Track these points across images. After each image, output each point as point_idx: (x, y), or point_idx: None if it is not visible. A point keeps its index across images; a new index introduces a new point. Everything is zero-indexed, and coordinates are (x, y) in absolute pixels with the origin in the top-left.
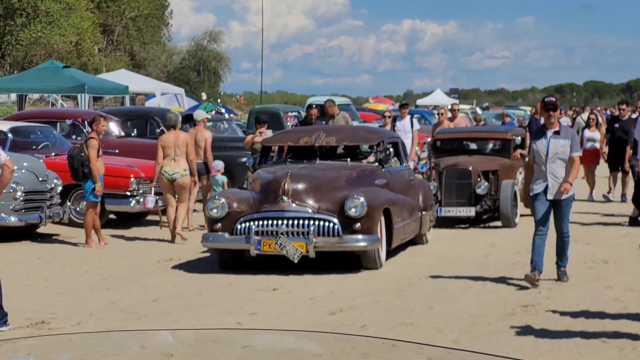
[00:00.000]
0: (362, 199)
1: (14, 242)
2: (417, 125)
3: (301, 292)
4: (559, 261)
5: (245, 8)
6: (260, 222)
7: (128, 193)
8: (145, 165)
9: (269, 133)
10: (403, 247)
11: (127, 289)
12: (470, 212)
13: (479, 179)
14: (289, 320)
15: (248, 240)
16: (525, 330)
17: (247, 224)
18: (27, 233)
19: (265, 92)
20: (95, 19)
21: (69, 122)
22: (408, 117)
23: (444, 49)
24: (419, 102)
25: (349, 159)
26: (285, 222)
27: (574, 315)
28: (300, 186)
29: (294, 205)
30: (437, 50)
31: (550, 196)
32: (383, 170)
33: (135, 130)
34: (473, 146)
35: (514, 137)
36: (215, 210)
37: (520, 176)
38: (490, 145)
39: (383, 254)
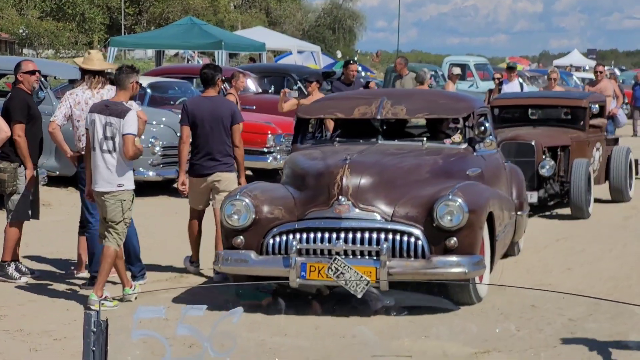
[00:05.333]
0: (459, 201)
1: (152, 197)
2: (526, 89)
3: None
4: None
5: None
6: (305, 236)
7: (265, 149)
8: (283, 122)
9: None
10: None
11: None
12: (532, 197)
13: (544, 157)
14: None
15: (286, 263)
16: None
17: (285, 237)
18: (165, 188)
19: (400, 51)
20: None
21: None
22: (516, 81)
23: (582, 9)
24: (556, 62)
25: (424, 139)
26: (343, 235)
27: None
28: (366, 181)
29: (356, 210)
30: (574, 10)
31: None
32: (475, 155)
33: (272, 87)
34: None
35: (590, 104)
36: (235, 217)
37: (597, 153)
38: (561, 115)
39: (487, 279)
